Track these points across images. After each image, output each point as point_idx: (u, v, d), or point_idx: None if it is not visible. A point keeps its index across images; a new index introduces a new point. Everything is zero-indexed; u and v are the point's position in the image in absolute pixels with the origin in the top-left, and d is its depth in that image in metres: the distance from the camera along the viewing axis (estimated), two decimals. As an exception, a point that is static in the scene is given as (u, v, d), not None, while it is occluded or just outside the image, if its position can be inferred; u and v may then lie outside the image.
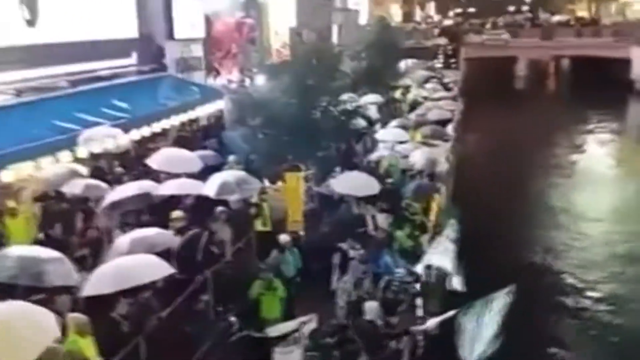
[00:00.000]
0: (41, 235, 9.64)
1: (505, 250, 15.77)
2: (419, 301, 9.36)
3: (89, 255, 8.96)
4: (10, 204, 9.55)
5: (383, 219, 11.94)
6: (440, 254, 9.71)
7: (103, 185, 10.95)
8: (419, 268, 9.85)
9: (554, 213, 19.70)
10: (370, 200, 12.13)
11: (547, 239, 17.76)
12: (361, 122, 17.62)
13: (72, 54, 14.54)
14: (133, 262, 7.64)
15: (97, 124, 12.85)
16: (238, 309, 9.14)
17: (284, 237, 10.31)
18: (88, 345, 6.75)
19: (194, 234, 9.62)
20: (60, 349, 6.04)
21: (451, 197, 16.09)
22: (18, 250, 7.69)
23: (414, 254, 10.56)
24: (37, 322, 5.55)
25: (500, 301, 7.33)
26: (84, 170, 11.58)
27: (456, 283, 9.31)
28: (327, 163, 13.74)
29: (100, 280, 7.33)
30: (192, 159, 12.46)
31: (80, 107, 13.53)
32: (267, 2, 25.41)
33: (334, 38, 34.13)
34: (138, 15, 17.41)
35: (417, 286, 9.51)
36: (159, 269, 7.64)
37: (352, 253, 9.97)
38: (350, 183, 11.93)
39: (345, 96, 15.83)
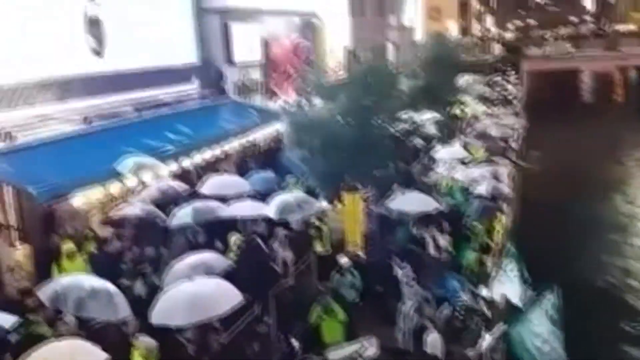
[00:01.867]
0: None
1: (574, 273, 15.09)
2: (482, 324, 9.04)
3: (150, 272, 9.16)
4: (68, 245, 9.40)
5: (444, 240, 11.69)
6: (507, 281, 9.39)
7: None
8: (485, 292, 9.55)
9: (620, 232, 18.78)
10: (430, 220, 11.91)
11: (619, 261, 16.93)
12: (419, 141, 17.39)
13: (136, 82, 15.06)
14: (207, 292, 7.43)
15: (161, 149, 13.26)
16: (299, 332, 9.09)
17: (343, 259, 10.24)
18: None
19: (256, 255, 9.69)
20: None
21: (516, 217, 15.58)
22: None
23: (479, 277, 10.25)
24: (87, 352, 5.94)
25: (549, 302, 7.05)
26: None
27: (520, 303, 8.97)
28: (385, 183, 13.58)
29: (173, 311, 7.18)
30: (240, 182, 12.64)
31: (145, 132, 13.98)
32: (322, 23, 25.67)
33: (390, 56, 34.02)
34: (198, 42, 17.88)
35: (482, 312, 9.19)
36: (232, 298, 7.51)
37: (411, 275, 9.76)
38: (408, 201, 11.77)
39: (402, 114, 15.66)
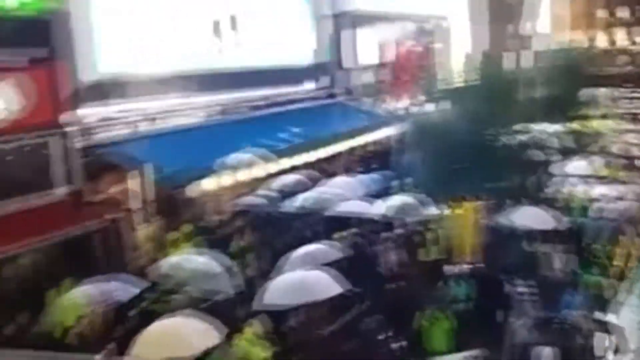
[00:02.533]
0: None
1: None
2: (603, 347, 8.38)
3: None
4: (186, 228, 9.89)
5: (561, 259, 11.00)
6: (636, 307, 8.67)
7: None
8: (608, 317, 8.87)
9: None
10: (547, 238, 11.27)
11: None
12: (538, 154, 16.53)
13: (254, 81, 15.59)
14: (313, 278, 7.92)
15: (273, 146, 13.66)
16: (403, 335, 8.93)
17: (450, 269, 9.94)
18: (261, 352, 7.07)
19: (363, 254, 9.68)
20: (230, 351, 6.60)
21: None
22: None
23: (602, 300, 9.56)
24: (200, 330, 6.32)
25: None
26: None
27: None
28: (501, 195, 13.03)
29: (281, 293, 7.66)
30: (355, 184, 12.66)
31: (259, 130, 14.45)
32: (447, 28, 25.22)
33: (512, 65, 32.81)
34: (315, 44, 18.18)
35: (604, 338, 8.52)
36: (334, 287, 7.83)
37: (525, 291, 9.27)
38: (524, 217, 11.18)
39: (522, 126, 15.03)
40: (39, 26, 9.11)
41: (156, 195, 11.48)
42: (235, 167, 12.27)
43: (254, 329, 7.20)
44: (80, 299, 7.36)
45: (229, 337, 7.19)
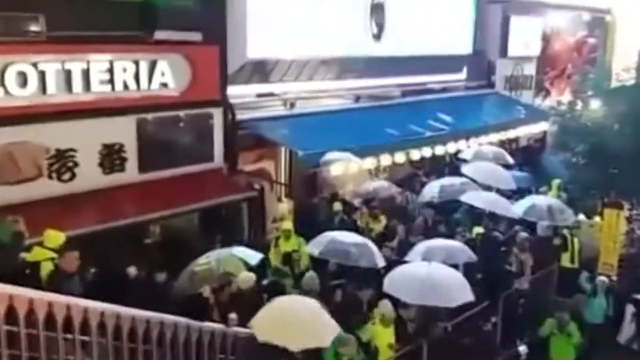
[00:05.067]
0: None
1: None
2: None
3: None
4: (287, 225, 9.86)
5: None
6: None
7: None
8: None
9: None
10: None
11: None
12: None
13: (408, 67, 15.59)
14: (441, 280, 7.56)
15: (420, 133, 13.68)
16: (528, 340, 8.71)
17: (600, 279, 9.41)
18: (388, 334, 7.33)
19: (493, 252, 9.50)
20: (351, 340, 6.72)
21: None
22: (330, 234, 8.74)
23: None
24: (321, 320, 6.33)
25: None
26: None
27: None
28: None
29: (404, 286, 7.54)
30: (507, 177, 12.19)
31: (408, 116, 14.53)
32: (614, 21, 23.24)
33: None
34: (473, 32, 17.70)
35: None
36: (464, 294, 7.54)
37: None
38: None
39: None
40: (194, 11, 9.97)
41: (301, 171, 12.15)
42: (380, 152, 12.47)
43: (382, 311, 7.35)
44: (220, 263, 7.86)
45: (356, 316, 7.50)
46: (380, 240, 9.89)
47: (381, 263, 8.27)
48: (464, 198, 10.63)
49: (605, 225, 10.96)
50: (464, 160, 13.34)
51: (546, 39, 20.05)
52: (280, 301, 6.58)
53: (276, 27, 11.79)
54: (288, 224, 9.87)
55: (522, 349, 8.60)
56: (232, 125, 11.02)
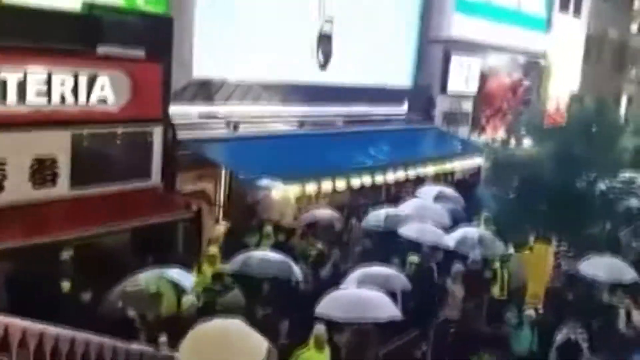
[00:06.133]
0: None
1: None
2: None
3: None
4: (213, 250, 9.67)
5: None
6: None
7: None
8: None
9: None
10: (629, 291, 10.73)
11: None
12: (635, 204, 15.66)
13: (352, 97, 15.92)
14: (370, 296, 7.93)
15: (361, 162, 13.93)
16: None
17: (528, 311, 9.68)
18: (322, 358, 7.27)
19: (427, 282, 9.68)
20: None
21: None
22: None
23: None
24: (250, 342, 6.04)
25: None
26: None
27: None
28: (584, 242, 12.52)
29: (335, 305, 7.75)
30: (442, 212, 12.57)
31: (351, 145, 14.79)
32: (549, 65, 24.52)
33: (621, 110, 31.21)
34: (415, 68, 18.29)
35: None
36: (391, 310, 7.83)
37: (583, 343, 8.88)
38: (601, 266, 10.67)
39: (620, 173, 14.29)
40: (139, 27, 9.89)
41: (240, 194, 12.08)
42: (322, 177, 12.59)
43: (315, 334, 7.32)
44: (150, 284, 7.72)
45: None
46: (316, 265, 9.91)
47: (299, 277, 8.70)
48: (401, 230, 10.89)
49: (534, 258, 11.41)
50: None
51: (484, 79, 20.91)
52: (206, 325, 6.40)
53: (224, 48, 11.82)
54: (214, 249, 9.69)
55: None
56: (172, 145, 10.88)
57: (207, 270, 9.17)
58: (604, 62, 30.35)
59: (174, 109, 11.06)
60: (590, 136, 13.32)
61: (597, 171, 13.20)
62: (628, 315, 10.35)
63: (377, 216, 11.73)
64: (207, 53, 11.52)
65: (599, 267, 10.64)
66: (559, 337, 8.96)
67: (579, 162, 12.80)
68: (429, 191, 14.27)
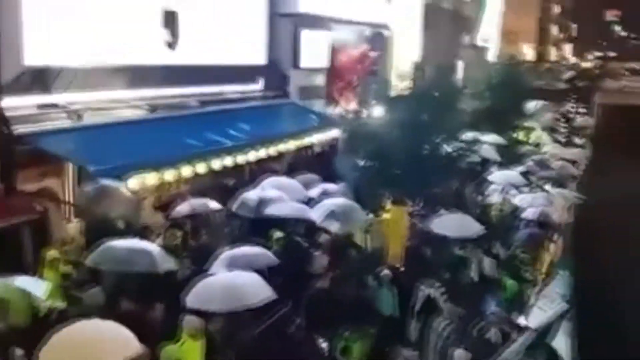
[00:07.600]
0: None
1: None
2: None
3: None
4: (53, 254, 9.06)
5: (490, 265, 11.49)
6: (546, 309, 9.15)
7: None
8: (522, 320, 9.36)
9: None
10: (478, 243, 11.74)
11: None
12: (476, 162, 17.12)
13: (205, 77, 15.56)
14: (241, 282, 7.80)
15: (220, 143, 13.68)
16: (330, 335, 9.13)
17: (384, 272, 10.18)
18: (197, 348, 7.13)
19: (294, 255, 9.84)
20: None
21: (570, 249, 15.07)
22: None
23: (519, 304, 10.05)
24: (119, 338, 5.88)
25: None
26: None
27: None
28: (434, 200, 13.46)
29: (208, 297, 7.57)
30: (297, 187, 12.75)
31: (206, 125, 14.44)
32: (392, 36, 25.69)
33: (459, 74, 33.64)
34: (266, 44, 18.27)
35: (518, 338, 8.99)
36: (264, 292, 7.79)
37: (446, 295, 9.62)
38: (449, 224, 11.58)
39: (462, 134, 15.46)
40: None
41: (92, 189, 11.33)
42: (179, 163, 12.19)
43: (188, 326, 7.17)
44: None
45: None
46: (181, 254, 9.67)
47: (162, 268, 8.26)
48: (266, 211, 10.95)
49: (392, 221, 12.04)
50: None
51: (334, 52, 21.41)
52: (65, 330, 5.98)
53: (58, 32, 10.92)
54: (54, 253, 9.05)
55: (323, 344, 8.92)
56: (8, 140, 9.93)
57: (50, 274, 8.59)
58: (441, 30, 32.39)
59: (7, 101, 10.07)
60: (433, 102, 14.19)
61: (441, 134, 14.15)
62: (479, 265, 11.35)
63: (246, 202, 11.49)
64: (40, 38, 10.58)
65: (447, 224, 11.52)
66: (420, 294, 9.57)
67: (425, 126, 13.61)
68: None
